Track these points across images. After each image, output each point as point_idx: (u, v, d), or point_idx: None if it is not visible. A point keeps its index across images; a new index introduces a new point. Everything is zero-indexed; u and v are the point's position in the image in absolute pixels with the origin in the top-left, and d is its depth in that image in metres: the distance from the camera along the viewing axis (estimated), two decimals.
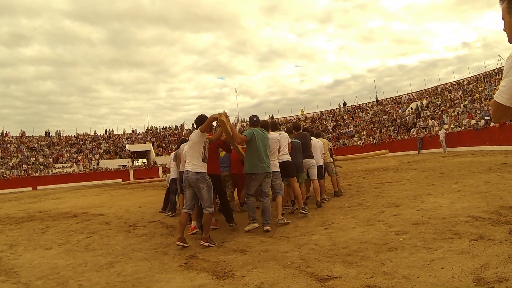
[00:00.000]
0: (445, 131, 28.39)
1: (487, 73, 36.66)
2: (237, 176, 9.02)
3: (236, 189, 10.00)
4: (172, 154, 10.37)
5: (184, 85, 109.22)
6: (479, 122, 25.47)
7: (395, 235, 5.66)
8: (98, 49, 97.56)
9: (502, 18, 2.11)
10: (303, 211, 8.12)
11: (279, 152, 7.85)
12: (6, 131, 48.54)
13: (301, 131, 9.78)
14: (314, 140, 9.89)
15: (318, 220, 7.53)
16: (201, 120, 6.86)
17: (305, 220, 7.66)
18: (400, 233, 5.73)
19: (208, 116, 6.76)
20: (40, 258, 6.40)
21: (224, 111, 7.78)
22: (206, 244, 6.22)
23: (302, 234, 6.45)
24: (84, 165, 45.57)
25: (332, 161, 10.90)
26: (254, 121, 7.60)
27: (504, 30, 2.13)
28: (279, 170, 7.63)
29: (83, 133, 55.64)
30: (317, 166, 9.47)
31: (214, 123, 6.75)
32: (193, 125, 56.87)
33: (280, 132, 8.41)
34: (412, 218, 6.64)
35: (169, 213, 10.18)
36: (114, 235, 8.03)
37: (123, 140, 54.76)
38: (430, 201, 8.13)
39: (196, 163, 6.41)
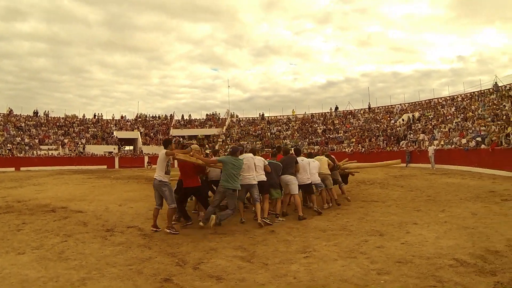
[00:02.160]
0: (435, 147, 28.44)
1: (482, 91, 36.75)
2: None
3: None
4: None
5: (177, 74, 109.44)
6: (470, 142, 25.48)
7: (377, 274, 5.53)
8: (94, 31, 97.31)
9: None
10: (265, 220, 9.31)
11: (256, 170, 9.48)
12: None
13: (291, 153, 11.19)
14: (306, 160, 10.92)
15: (300, 245, 7.37)
16: (166, 142, 9.11)
17: (287, 244, 7.48)
18: (382, 272, 5.61)
19: (171, 139, 9.34)
20: (11, 266, 6.19)
21: (192, 146, 10.02)
22: (168, 231, 8.48)
23: (282, 262, 6.28)
24: (70, 148, 45.08)
25: (330, 173, 11.73)
26: (233, 152, 9.10)
27: None
28: (256, 183, 9.32)
29: (71, 115, 55.36)
30: (305, 184, 10.70)
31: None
32: (182, 116, 57.14)
33: (256, 157, 9.75)
34: (395, 254, 6.53)
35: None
36: (90, 241, 7.82)
37: (112, 126, 54.35)
38: (415, 232, 8.04)
39: (160, 175, 8.61)
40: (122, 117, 57.28)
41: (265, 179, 9.61)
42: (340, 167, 13.13)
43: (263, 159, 9.99)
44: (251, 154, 9.68)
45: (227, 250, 7.06)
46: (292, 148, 13.00)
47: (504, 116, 26.80)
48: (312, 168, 10.96)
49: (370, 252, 6.71)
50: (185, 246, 7.42)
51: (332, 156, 12.47)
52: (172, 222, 8.86)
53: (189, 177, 9.23)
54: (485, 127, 26.75)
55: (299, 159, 10.67)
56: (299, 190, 10.62)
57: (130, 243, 7.73)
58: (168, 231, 8.49)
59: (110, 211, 11.51)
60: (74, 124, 52.26)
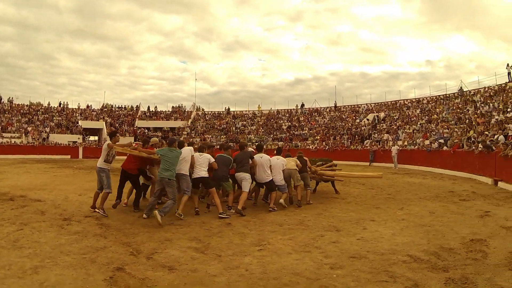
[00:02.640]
0: (398, 147, 28.83)
1: (447, 95, 37.52)
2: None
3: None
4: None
5: (146, 65, 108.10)
6: (432, 144, 25.92)
7: (330, 268, 5.52)
8: (65, 17, 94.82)
9: None
10: (222, 215, 9.33)
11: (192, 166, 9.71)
12: None
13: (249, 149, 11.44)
14: (265, 157, 10.66)
15: (255, 238, 7.36)
16: (111, 134, 10.20)
17: (242, 237, 7.46)
18: (335, 267, 5.59)
19: (116, 132, 10.52)
20: None
21: (152, 139, 11.41)
22: (98, 211, 9.37)
23: (235, 254, 6.28)
24: (33, 137, 43.74)
25: (296, 169, 11.16)
26: (170, 142, 9.46)
27: None
28: (187, 174, 9.43)
29: (36, 103, 53.75)
30: (265, 181, 10.63)
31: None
32: (148, 107, 56.47)
33: (202, 154, 9.95)
34: (350, 249, 6.53)
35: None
36: (46, 230, 7.63)
37: (77, 115, 52.95)
38: (372, 229, 8.08)
39: (101, 162, 9.44)
40: (87, 106, 55.94)
41: (204, 176, 9.70)
42: (316, 172, 12.44)
43: (209, 156, 9.95)
44: (190, 148, 9.92)
45: (182, 241, 7.03)
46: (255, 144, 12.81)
47: (467, 120, 27.45)
48: (275, 165, 10.66)
49: (325, 247, 6.69)
50: (140, 236, 7.36)
51: (305, 158, 11.86)
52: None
53: (128, 162, 10.12)
54: (448, 129, 27.24)
55: (258, 155, 10.59)
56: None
57: (86, 232, 7.58)
58: (98, 211, 9.38)
59: (70, 201, 11.24)
60: (38, 112, 50.59)
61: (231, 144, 13.83)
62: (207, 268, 5.54)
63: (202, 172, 9.70)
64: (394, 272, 5.30)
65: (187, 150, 9.59)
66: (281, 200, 10.54)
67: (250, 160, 10.26)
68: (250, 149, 11.63)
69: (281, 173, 10.66)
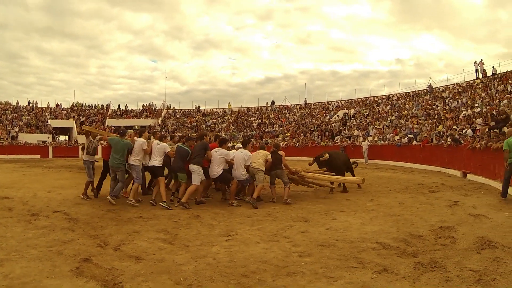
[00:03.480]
0: (368, 143, 29.15)
1: (417, 92, 38.33)
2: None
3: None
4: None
5: (116, 64, 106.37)
6: (402, 139, 26.30)
7: (298, 256, 5.53)
8: (33, 15, 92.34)
9: None
10: (162, 204, 9.56)
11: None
12: None
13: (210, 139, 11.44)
14: (222, 151, 10.31)
15: (223, 229, 7.36)
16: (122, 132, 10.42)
17: (210, 228, 7.46)
18: (303, 255, 5.60)
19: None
20: None
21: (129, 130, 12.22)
22: (82, 197, 10.54)
23: (203, 244, 6.29)
24: (2, 136, 42.58)
25: (259, 169, 10.37)
26: (121, 134, 10.22)
27: None
28: (136, 164, 9.98)
29: (4, 102, 52.58)
30: (218, 175, 10.29)
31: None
32: (119, 106, 55.94)
33: (160, 143, 10.31)
34: (319, 238, 6.54)
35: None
36: (13, 225, 7.48)
37: (46, 114, 51.93)
38: (341, 219, 8.12)
39: (84, 154, 10.81)
40: (57, 105, 54.88)
41: (155, 165, 10.10)
42: (297, 173, 11.46)
43: (165, 145, 10.29)
44: (141, 139, 10.21)
45: (150, 233, 7.02)
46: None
47: (436, 116, 28.01)
48: (236, 159, 10.34)
49: (293, 236, 6.70)
50: (109, 228, 7.33)
51: (281, 153, 10.97)
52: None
53: (108, 153, 10.41)
54: (417, 125, 27.65)
55: (215, 150, 10.35)
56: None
57: (54, 226, 7.46)
58: (82, 197, 10.56)
59: (38, 197, 10.99)
60: (7, 112, 49.42)
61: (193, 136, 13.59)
62: (174, 257, 5.54)
63: (154, 161, 10.07)
64: (363, 259, 5.31)
65: (138, 142, 10.05)
66: (246, 198, 10.41)
67: (205, 152, 10.11)
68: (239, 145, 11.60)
69: (241, 167, 10.25)
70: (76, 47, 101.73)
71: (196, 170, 9.92)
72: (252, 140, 35.15)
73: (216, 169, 10.16)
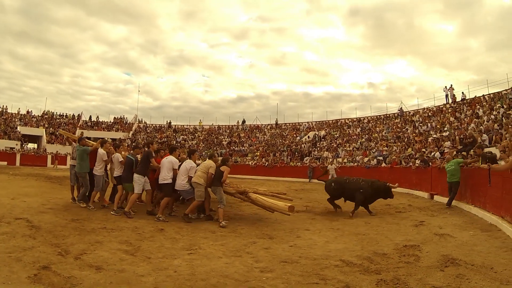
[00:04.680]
0: (335, 166, 29.35)
1: (388, 115, 38.94)
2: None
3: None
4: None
5: (90, 74, 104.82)
6: (371, 161, 26.59)
7: (260, 272, 5.52)
8: (9, 18, 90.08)
9: None
10: (113, 212, 9.96)
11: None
12: None
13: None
14: (171, 159, 10.09)
15: (186, 243, 7.37)
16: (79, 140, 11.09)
17: (173, 241, 7.47)
18: (265, 270, 5.59)
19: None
20: None
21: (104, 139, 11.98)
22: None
23: (165, 256, 6.29)
24: None
25: (196, 182, 9.80)
26: (79, 140, 10.97)
27: None
28: (96, 174, 10.67)
29: None
30: (161, 183, 10.17)
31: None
32: (90, 117, 55.25)
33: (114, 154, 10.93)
34: (282, 255, 6.55)
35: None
36: None
37: (16, 120, 50.64)
38: (305, 237, 8.13)
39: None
40: (28, 112, 53.64)
41: (116, 175, 10.78)
42: (245, 194, 10.64)
43: (118, 155, 10.82)
44: (101, 150, 10.76)
45: (113, 244, 6.98)
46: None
47: (406, 139, 28.44)
48: (180, 169, 10.05)
49: (256, 252, 6.70)
50: (71, 238, 7.22)
51: (224, 168, 9.93)
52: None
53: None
54: (387, 147, 28.06)
55: (166, 159, 10.15)
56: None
57: (14, 233, 7.30)
58: (71, 201, 11.15)
59: (1, 204, 10.64)
60: None
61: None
62: (135, 268, 5.53)
63: (117, 172, 10.72)
64: (325, 275, 5.32)
65: (99, 153, 10.64)
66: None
67: (148, 161, 10.17)
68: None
69: (183, 176, 9.91)
70: (50, 54, 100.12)
71: (136, 179, 9.98)
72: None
73: (179, 181, 9.90)
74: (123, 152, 11.23)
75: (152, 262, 5.90)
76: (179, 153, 11.00)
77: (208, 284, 4.91)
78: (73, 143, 11.69)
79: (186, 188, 9.92)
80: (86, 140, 11.85)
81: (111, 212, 9.87)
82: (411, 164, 20.46)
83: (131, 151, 11.03)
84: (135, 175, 10.01)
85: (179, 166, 10.07)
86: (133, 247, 6.81)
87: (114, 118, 57.75)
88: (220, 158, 11.45)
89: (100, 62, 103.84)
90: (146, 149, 10.82)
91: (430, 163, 18.00)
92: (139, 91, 79.58)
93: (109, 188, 11.48)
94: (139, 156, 10.59)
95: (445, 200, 13.71)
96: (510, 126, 16.57)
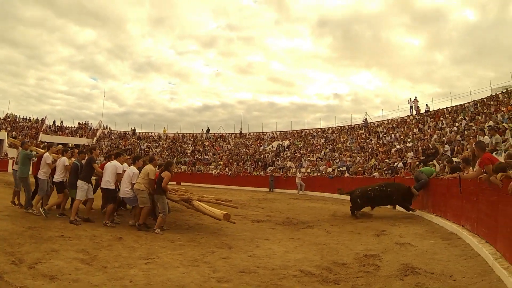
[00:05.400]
0: (301, 174, 29.44)
1: (352, 126, 39.42)
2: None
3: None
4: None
5: (56, 78, 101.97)
6: (335, 171, 26.78)
7: (217, 282, 5.46)
8: None
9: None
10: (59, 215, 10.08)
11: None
12: None
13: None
14: (114, 164, 10.17)
15: (144, 252, 7.25)
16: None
17: (131, 250, 7.34)
18: (222, 280, 5.52)
19: None
20: None
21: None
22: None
23: (122, 266, 6.16)
24: None
25: (138, 189, 9.56)
26: (21, 144, 11.01)
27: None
28: (40, 178, 10.30)
29: None
30: (103, 188, 10.20)
31: None
32: (54, 121, 54.01)
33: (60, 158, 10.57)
34: (240, 265, 6.47)
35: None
36: None
37: None
38: (265, 247, 8.05)
39: None
40: None
41: (56, 180, 10.36)
42: (189, 201, 10.29)
43: (64, 159, 10.49)
44: (47, 154, 10.48)
45: (69, 252, 6.82)
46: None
47: (370, 149, 28.70)
48: (124, 175, 9.91)
49: (214, 262, 6.62)
50: (26, 246, 7.03)
51: (164, 174, 9.55)
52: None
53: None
54: (351, 158, 28.32)
55: (110, 163, 10.16)
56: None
57: None
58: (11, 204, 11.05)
59: None
60: None
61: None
62: (90, 278, 5.41)
63: (57, 176, 10.34)
64: (283, 285, 5.27)
65: (45, 156, 10.40)
66: (130, 222, 10.00)
67: (91, 167, 10.07)
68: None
69: (126, 183, 9.78)
70: (16, 55, 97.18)
71: (79, 186, 9.83)
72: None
73: (123, 188, 9.85)
74: (72, 159, 10.77)
75: (108, 272, 5.79)
76: (142, 162, 10.63)
77: None
78: (19, 147, 11.30)
79: (130, 195, 9.77)
80: (29, 144, 11.80)
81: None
82: (374, 174, 20.68)
83: (78, 156, 10.72)
84: (79, 182, 9.84)
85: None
86: (89, 256, 6.68)
87: (79, 123, 56.56)
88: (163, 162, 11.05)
89: (67, 65, 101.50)
90: (90, 154, 10.51)
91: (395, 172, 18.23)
92: (104, 96, 78.22)
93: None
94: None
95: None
96: (471, 138, 16.90)
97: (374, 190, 13.24)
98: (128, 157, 12.05)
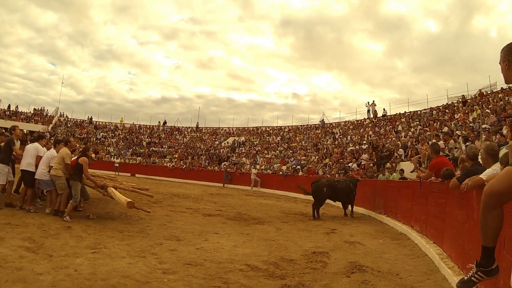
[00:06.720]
0: (256, 171, 29.53)
1: (309, 126, 39.85)
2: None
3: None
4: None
5: (13, 60, 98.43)
6: (288, 169, 27.02)
7: (162, 273, 5.42)
8: None
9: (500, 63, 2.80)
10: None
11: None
12: None
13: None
14: (34, 146, 9.98)
15: (91, 241, 7.13)
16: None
17: (79, 239, 7.20)
18: (168, 272, 5.49)
19: None
20: None
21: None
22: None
23: (68, 255, 6.05)
24: None
25: (55, 175, 9.36)
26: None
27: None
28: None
29: None
30: (27, 170, 9.68)
31: None
32: (9, 106, 52.25)
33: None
34: (187, 257, 6.44)
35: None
36: None
37: None
38: (213, 240, 8.04)
39: None
40: None
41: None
42: (105, 188, 10.12)
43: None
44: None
45: (15, 240, 6.67)
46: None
47: (325, 149, 29.00)
48: (44, 158, 9.63)
49: (161, 254, 6.58)
50: None
51: (82, 160, 9.46)
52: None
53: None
54: (305, 156, 28.59)
55: (31, 145, 9.96)
56: None
57: None
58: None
59: None
60: None
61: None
62: (34, 267, 5.31)
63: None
64: (228, 279, 5.26)
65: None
66: (47, 210, 9.48)
67: (10, 149, 9.60)
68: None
69: (44, 165, 9.50)
70: None
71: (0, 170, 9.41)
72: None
73: (39, 170, 9.46)
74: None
75: (53, 260, 5.68)
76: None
77: (107, 284, 4.77)
78: None
79: (46, 178, 9.45)
80: None
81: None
82: (328, 174, 20.91)
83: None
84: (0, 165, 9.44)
85: None
86: (36, 244, 6.57)
87: (34, 109, 54.76)
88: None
89: (25, 48, 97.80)
90: (9, 135, 10.08)
91: (350, 172, 18.47)
92: (62, 82, 76.22)
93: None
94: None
95: (359, 209, 14.12)
96: (426, 141, 17.32)
97: (341, 182, 13.75)
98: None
